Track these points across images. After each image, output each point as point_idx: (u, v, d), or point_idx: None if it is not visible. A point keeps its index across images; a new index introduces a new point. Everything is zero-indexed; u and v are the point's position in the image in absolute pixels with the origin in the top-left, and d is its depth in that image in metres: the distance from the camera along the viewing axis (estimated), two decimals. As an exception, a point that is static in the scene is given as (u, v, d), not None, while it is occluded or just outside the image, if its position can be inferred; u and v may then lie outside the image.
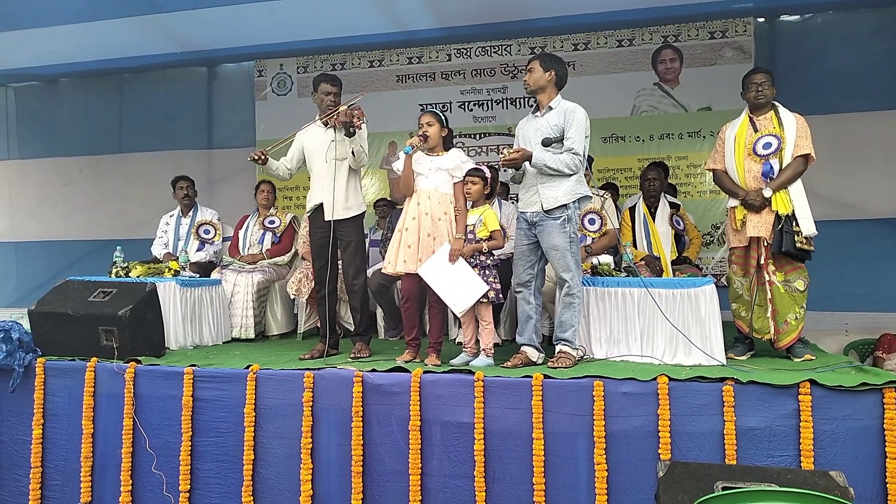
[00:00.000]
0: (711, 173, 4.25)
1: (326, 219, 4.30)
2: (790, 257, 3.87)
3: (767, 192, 3.84)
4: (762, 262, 3.92)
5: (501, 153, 3.82)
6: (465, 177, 4.04)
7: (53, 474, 3.93)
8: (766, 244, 3.88)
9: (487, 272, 3.94)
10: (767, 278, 3.93)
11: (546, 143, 3.79)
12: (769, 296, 3.94)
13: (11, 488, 3.98)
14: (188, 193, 5.86)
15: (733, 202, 4.04)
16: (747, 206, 3.92)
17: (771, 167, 3.89)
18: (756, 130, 3.98)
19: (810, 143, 3.88)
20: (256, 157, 4.24)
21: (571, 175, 3.79)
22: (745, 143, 3.99)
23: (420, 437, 3.47)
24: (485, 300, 3.91)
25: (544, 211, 3.81)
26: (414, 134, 4.09)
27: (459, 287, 3.85)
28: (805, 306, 3.95)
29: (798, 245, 3.78)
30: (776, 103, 4.04)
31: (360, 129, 4.20)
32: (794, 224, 3.80)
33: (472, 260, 3.93)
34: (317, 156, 4.37)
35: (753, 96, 4.02)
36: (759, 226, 3.88)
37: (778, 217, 3.82)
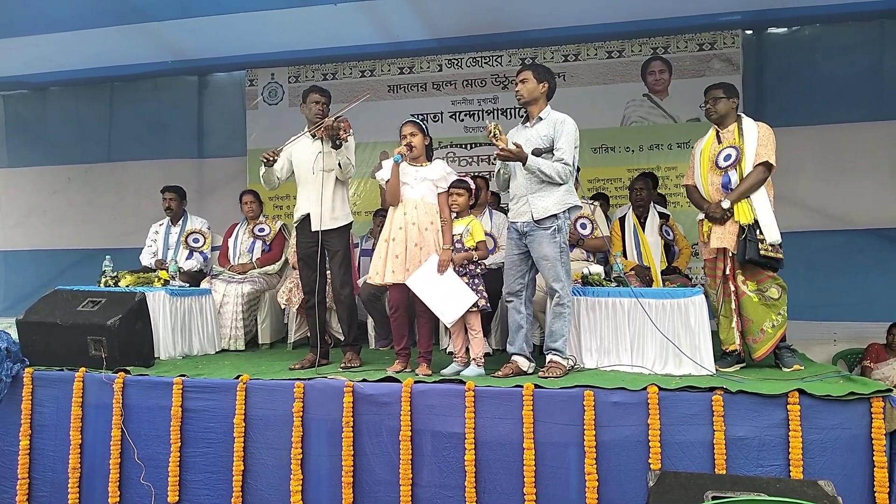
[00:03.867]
0: (685, 189, 4.29)
1: (313, 229, 4.31)
2: (758, 266, 3.87)
3: (725, 204, 3.87)
4: (727, 272, 3.95)
5: (493, 131, 3.77)
6: (449, 188, 4.06)
7: (41, 486, 3.90)
8: (731, 255, 3.90)
9: (477, 281, 3.95)
10: (734, 289, 3.95)
11: (535, 154, 3.81)
12: (734, 307, 3.96)
13: (-2, 500, 3.95)
14: (171, 206, 5.83)
15: (701, 215, 4.08)
16: (709, 219, 3.97)
17: (729, 178, 3.92)
18: (720, 143, 4.02)
19: (771, 151, 3.88)
20: (269, 157, 4.23)
21: (561, 185, 3.81)
22: (710, 157, 4.04)
23: (411, 447, 3.46)
24: (474, 309, 3.92)
25: (535, 221, 3.82)
26: (399, 144, 4.10)
27: (448, 298, 3.86)
28: (784, 313, 3.93)
29: (762, 253, 3.78)
30: (741, 115, 4.08)
31: (347, 141, 4.21)
32: (757, 232, 3.80)
33: (461, 269, 3.94)
34: (304, 166, 4.38)
35: (706, 113, 4.12)
36: (723, 237, 3.90)
37: (742, 227, 3.83)
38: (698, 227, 4.11)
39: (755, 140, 3.91)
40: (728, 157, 3.95)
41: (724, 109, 4.03)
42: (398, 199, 4.07)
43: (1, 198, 8.34)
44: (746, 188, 3.86)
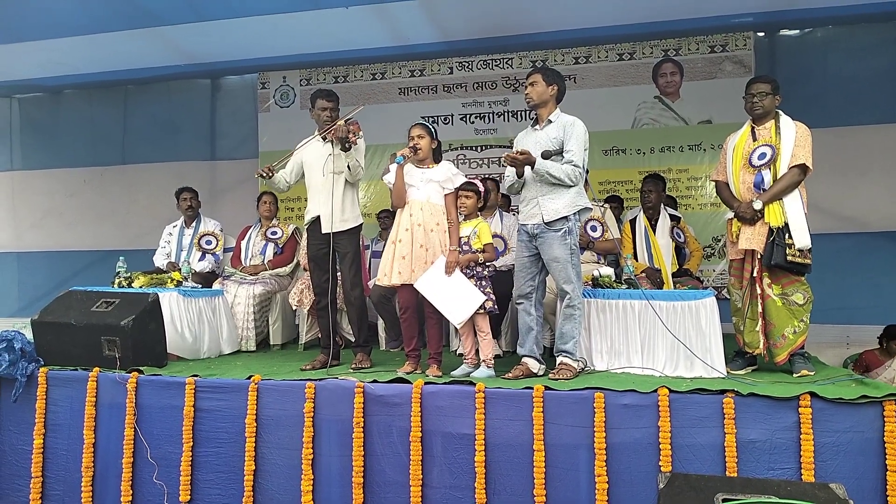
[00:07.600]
0: (714, 185, 4.22)
1: (323, 231, 4.34)
2: (784, 270, 3.81)
3: (758, 204, 3.79)
4: (755, 274, 3.87)
5: (505, 155, 3.86)
6: (458, 191, 4.07)
7: (54, 484, 3.93)
8: (759, 257, 3.82)
9: (484, 283, 3.96)
10: (760, 292, 3.87)
11: (546, 155, 3.81)
12: (760, 309, 3.89)
13: (12, 498, 3.98)
14: (192, 205, 5.91)
15: (730, 214, 4.01)
16: (739, 219, 3.89)
17: (762, 178, 3.83)
18: (755, 140, 3.93)
19: (808, 153, 3.78)
20: (263, 174, 4.31)
21: (572, 187, 3.81)
22: (743, 154, 3.95)
23: (421, 448, 3.47)
24: (482, 311, 3.93)
25: (545, 223, 3.82)
26: (406, 146, 4.12)
27: (457, 299, 3.87)
28: (806, 320, 3.86)
29: (790, 258, 3.70)
30: (779, 112, 3.97)
31: (356, 143, 4.23)
32: (786, 236, 3.72)
33: (469, 271, 3.95)
34: (315, 169, 4.41)
35: (750, 107, 3.99)
36: (752, 238, 3.82)
37: (771, 229, 3.76)
38: (727, 226, 4.04)
39: (792, 140, 3.82)
40: (763, 155, 3.85)
41: (770, 106, 3.93)
42: (403, 200, 4.09)
43: (17, 200, 8.43)
44: (779, 190, 3.77)
